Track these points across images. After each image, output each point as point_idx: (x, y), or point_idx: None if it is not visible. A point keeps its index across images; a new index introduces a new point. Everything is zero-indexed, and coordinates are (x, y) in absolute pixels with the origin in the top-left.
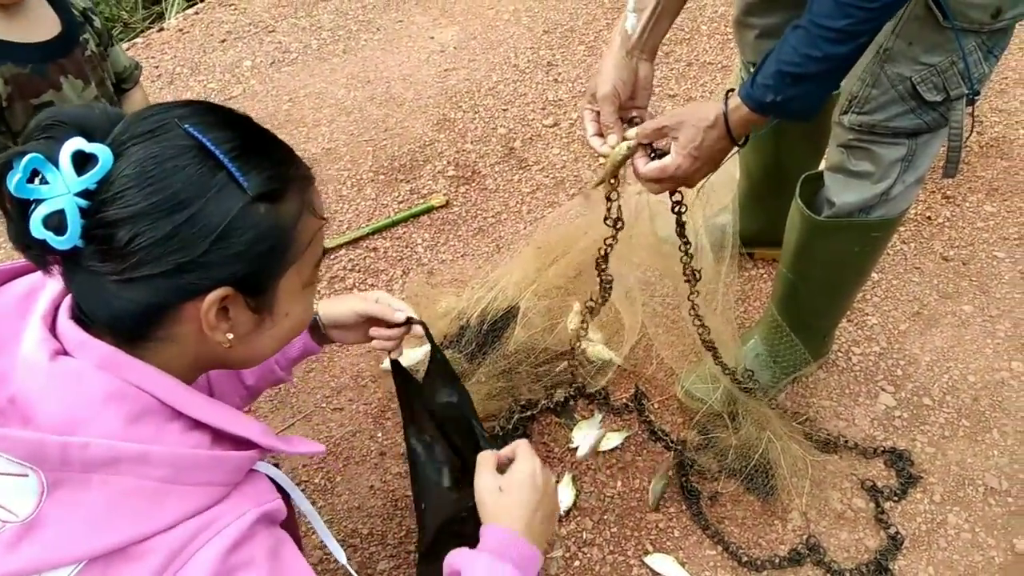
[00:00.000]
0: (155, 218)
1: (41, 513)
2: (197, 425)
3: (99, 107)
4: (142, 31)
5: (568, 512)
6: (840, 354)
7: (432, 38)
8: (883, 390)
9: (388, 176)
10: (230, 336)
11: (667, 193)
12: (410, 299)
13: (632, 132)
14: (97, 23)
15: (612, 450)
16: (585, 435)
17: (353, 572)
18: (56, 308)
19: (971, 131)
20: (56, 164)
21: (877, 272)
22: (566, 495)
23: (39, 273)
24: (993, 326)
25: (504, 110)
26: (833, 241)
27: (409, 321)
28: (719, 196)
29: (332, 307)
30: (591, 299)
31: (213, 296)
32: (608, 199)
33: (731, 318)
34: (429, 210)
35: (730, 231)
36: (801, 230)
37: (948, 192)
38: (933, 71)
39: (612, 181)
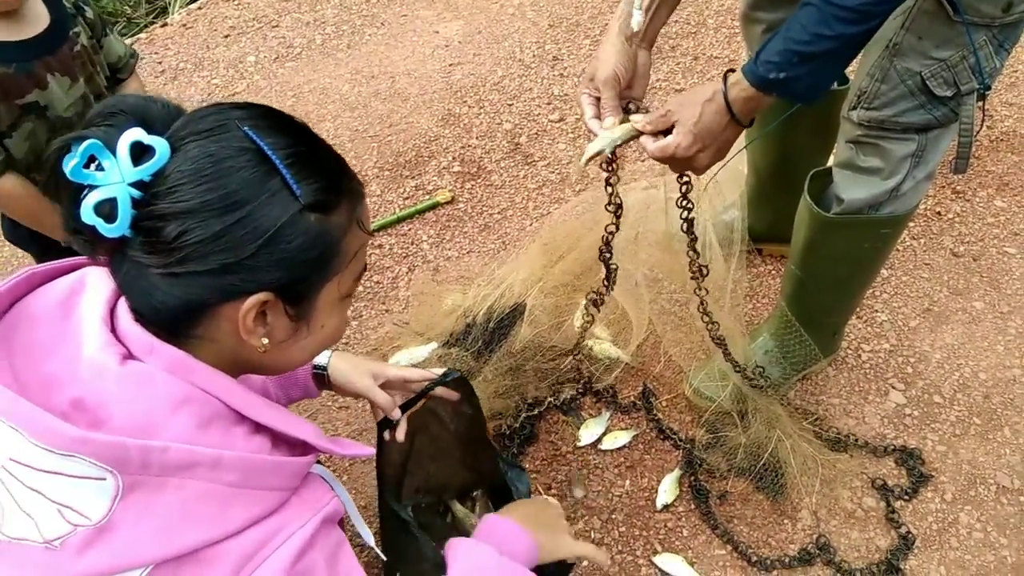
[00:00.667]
0: (206, 216)
1: (113, 517)
2: (258, 429)
3: (161, 100)
4: (145, 26)
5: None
6: (849, 351)
7: (437, 32)
8: (893, 388)
9: (393, 172)
10: (265, 341)
11: (675, 188)
12: (415, 296)
13: (638, 118)
14: (90, 13)
15: (620, 448)
16: (592, 433)
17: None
18: (112, 309)
19: (981, 126)
20: (114, 152)
21: (887, 268)
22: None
23: (77, 274)
24: (1004, 323)
25: (509, 105)
26: (842, 238)
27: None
28: (727, 192)
29: (346, 371)
30: (594, 291)
31: (253, 300)
32: (608, 184)
33: (740, 315)
34: (434, 206)
35: (738, 227)
36: (810, 227)
37: (958, 187)
38: (943, 66)
39: (609, 167)
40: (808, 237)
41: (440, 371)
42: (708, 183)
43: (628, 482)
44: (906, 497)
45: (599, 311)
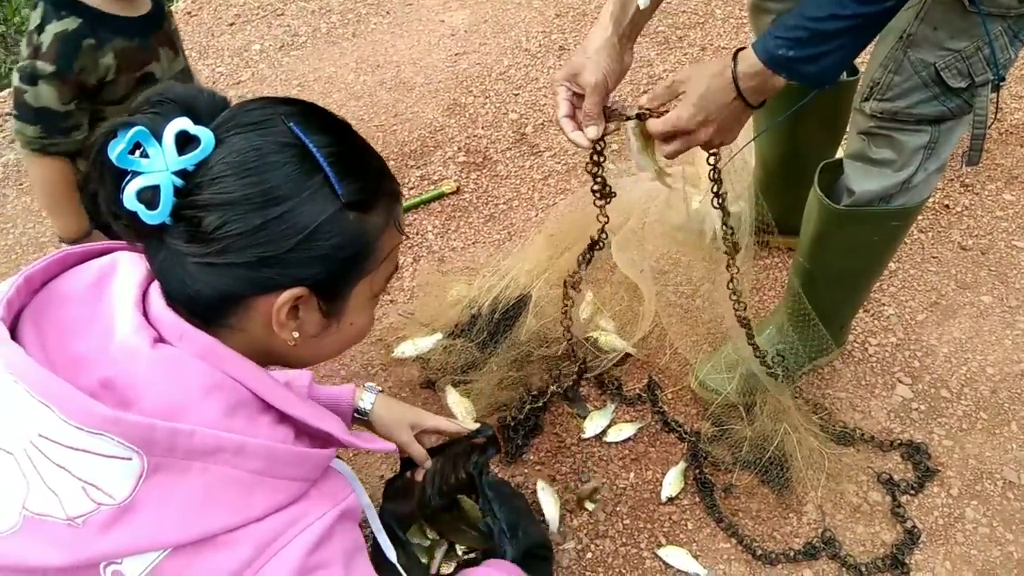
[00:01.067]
0: (247, 209)
1: (137, 497)
2: (282, 419)
3: (207, 91)
4: None
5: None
6: (856, 345)
7: (442, 21)
8: (900, 382)
9: (398, 162)
10: (296, 335)
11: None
12: (420, 287)
13: (644, 100)
14: None
15: (625, 441)
16: (597, 425)
17: (401, 571)
18: (144, 293)
19: (994, 118)
20: (159, 140)
21: (894, 262)
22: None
23: (108, 257)
24: (1012, 317)
25: (515, 95)
26: (852, 230)
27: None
28: (734, 185)
29: (388, 424)
30: (570, 274)
31: (288, 294)
32: (595, 165)
33: (747, 307)
34: (440, 196)
35: (745, 220)
36: (819, 219)
37: (966, 180)
38: (957, 57)
39: (599, 154)
40: (817, 229)
41: (475, 426)
42: (726, 163)
43: (633, 474)
44: (912, 491)
45: (577, 291)
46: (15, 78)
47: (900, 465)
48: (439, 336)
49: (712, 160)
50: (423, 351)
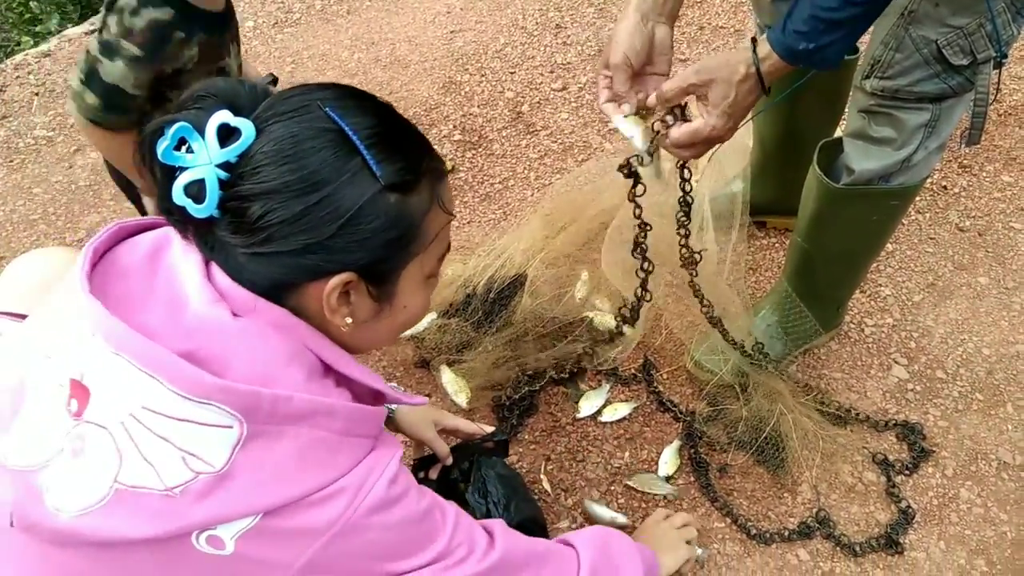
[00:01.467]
0: (287, 196)
1: (234, 464)
2: (338, 383)
3: (248, 83)
4: None
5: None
6: (853, 325)
7: None
8: (896, 362)
9: None
10: (349, 320)
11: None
12: None
13: (652, 99)
14: None
15: (620, 421)
16: (592, 405)
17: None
18: (208, 268)
19: (995, 96)
20: (202, 134)
21: (891, 243)
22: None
23: (161, 231)
24: (1009, 298)
25: (512, 73)
26: (851, 209)
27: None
28: (731, 165)
29: (413, 421)
30: (626, 305)
31: (336, 280)
32: (632, 197)
33: (742, 288)
34: None
35: (741, 200)
36: (818, 198)
37: (965, 161)
38: (960, 34)
39: (634, 176)
40: (816, 209)
41: (490, 429)
42: (711, 156)
43: (627, 454)
44: (907, 472)
45: (633, 325)
46: (94, 46)
47: (895, 445)
48: (433, 315)
49: (685, 173)
50: (417, 330)
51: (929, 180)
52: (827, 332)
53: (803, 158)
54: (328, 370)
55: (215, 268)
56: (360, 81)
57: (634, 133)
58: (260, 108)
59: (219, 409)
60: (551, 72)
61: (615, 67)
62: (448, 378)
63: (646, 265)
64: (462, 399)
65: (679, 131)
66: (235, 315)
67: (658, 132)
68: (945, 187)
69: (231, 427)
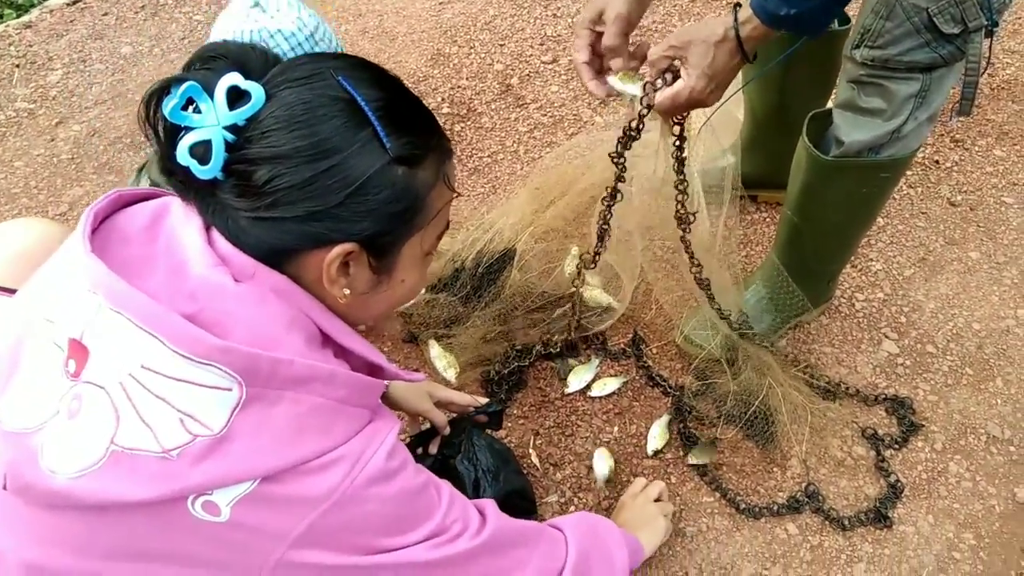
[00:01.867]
0: (296, 163)
1: (232, 427)
2: (338, 354)
3: (260, 48)
4: None
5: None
6: (843, 300)
7: None
8: (886, 337)
9: None
10: (347, 291)
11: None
12: None
13: (653, 52)
14: None
15: (609, 395)
16: (581, 380)
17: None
18: (208, 234)
19: (987, 65)
20: (211, 95)
21: (883, 217)
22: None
23: (160, 201)
24: (1000, 273)
25: (501, 45)
26: (841, 182)
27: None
28: (721, 138)
29: (404, 393)
30: (586, 251)
31: (339, 249)
32: (616, 161)
33: (733, 263)
34: None
35: (731, 173)
36: (807, 170)
37: (957, 136)
38: (951, 1)
39: (630, 133)
40: (806, 181)
41: (484, 400)
42: (702, 127)
43: (617, 428)
44: (896, 446)
45: (589, 269)
46: None
47: (885, 420)
48: (421, 290)
49: (679, 130)
50: (406, 305)
51: (921, 154)
52: (818, 306)
53: (794, 131)
54: (327, 340)
55: (215, 233)
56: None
57: (635, 90)
58: (271, 73)
59: (219, 370)
60: (541, 44)
61: (613, 18)
62: (437, 353)
63: (609, 217)
64: (451, 374)
65: (661, 94)
66: (236, 280)
67: (647, 93)
68: (937, 161)
69: (230, 389)
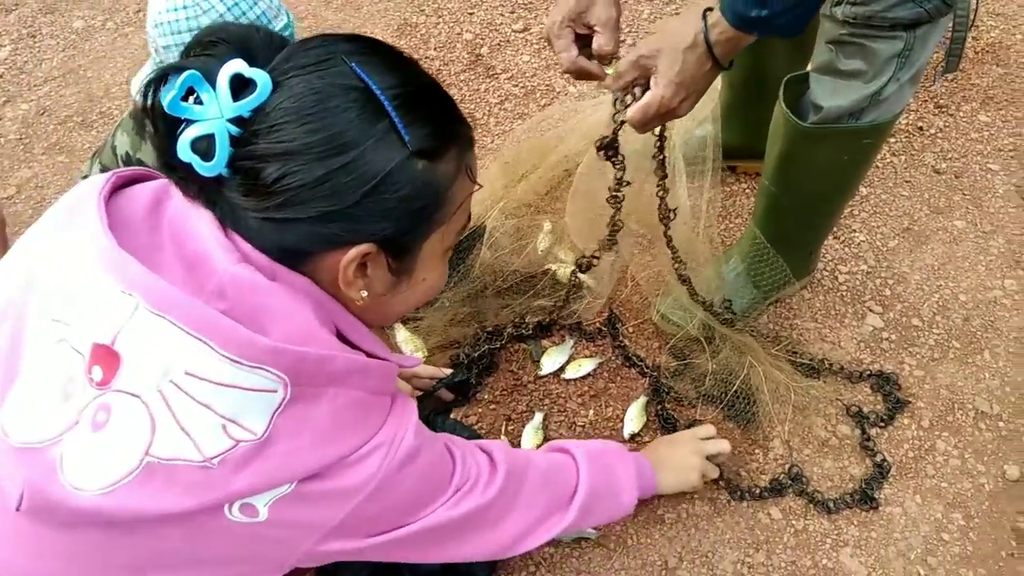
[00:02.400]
0: (309, 159)
1: (273, 430)
2: (347, 348)
3: (264, 30)
4: None
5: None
6: (825, 273)
7: None
8: (870, 311)
9: None
10: (364, 294)
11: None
12: None
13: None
14: None
15: (584, 377)
16: (555, 362)
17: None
18: (224, 228)
19: (974, 18)
20: (213, 85)
21: (865, 187)
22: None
23: (159, 182)
24: (986, 242)
25: (470, 14)
26: (820, 149)
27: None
28: (700, 107)
29: None
30: (585, 256)
31: (355, 252)
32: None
33: (712, 236)
34: None
35: (711, 143)
36: (785, 138)
37: (941, 101)
38: None
39: (614, 155)
40: (784, 150)
41: (448, 371)
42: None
43: (592, 411)
44: (882, 424)
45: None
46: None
47: (870, 397)
48: (442, 288)
49: (659, 142)
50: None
51: (904, 121)
52: (799, 280)
53: (772, 98)
54: (342, 338)
55: (230, 229)
56: (309, 24)
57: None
58: (277, 59)
59: (268, 373)
60: (511, 12)
61: (605, 22)
62: (404, 336)
63: (617, 219)
64: (419, 358)
65: (632, 108)
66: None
67: (618, 109)
68: (921, 128)
69: (275, 391)
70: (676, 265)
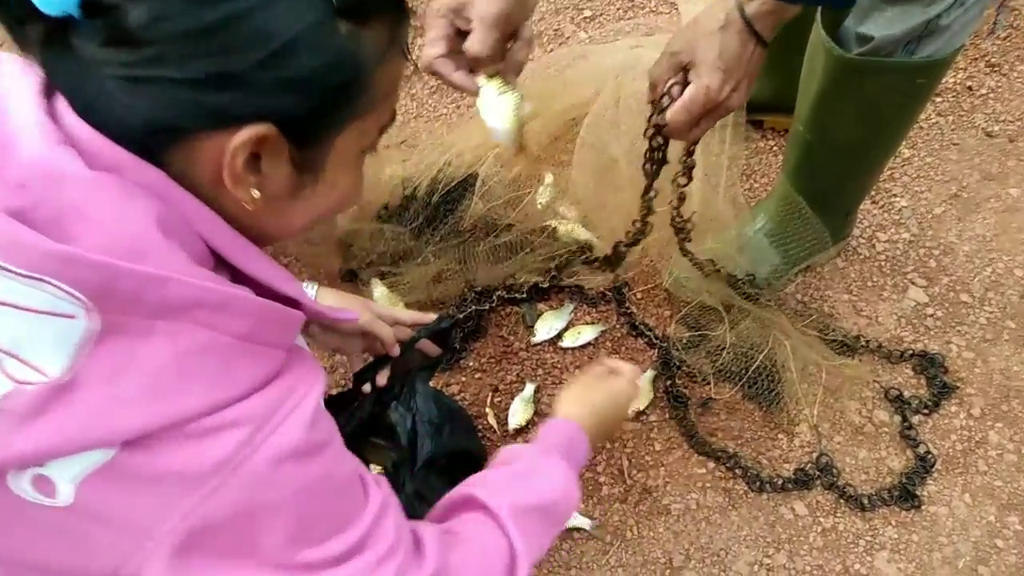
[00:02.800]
0: (192, 0)
1: (80, 371)
2: (236, 280)
3: None
4: None
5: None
6: (862, 240)
7: None
8: (913, 283)
9: None
10: (256, 194)
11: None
12: None
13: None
14: None
15: (584, 347)
16: (551, 328)
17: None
18: (49, 103)
19: None
20: None
21: (908, 148)
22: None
23: None
24: None
25: None
26: (865, 88)
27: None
28: None
29: (338, 301)
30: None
31: (249, 132)
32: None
33: (735, 195)
34: None
35: None
36: (825, 71)
37: (992, 60)
38: None
39: (658, 151)
40: (821, 87)
41: (432, 316)
42: None
43: None
44: (925, 411)
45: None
46: None
47: (911, 380)
48: (357, 200)
49: (653, 143)
50: (342, 226)
51: (952, 78)
52: (832, 245)
53: (804, 41)
54: (220, 264)
55: (61, 102)
56: None
57: (501, 106)
58: None
59: (56, 289)
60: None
61: (491, 19)
62: (381, 294)
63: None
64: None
65: (673, 108)
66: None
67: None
68: (970, 88)
69: (73, 317)
70: (694, 263)
